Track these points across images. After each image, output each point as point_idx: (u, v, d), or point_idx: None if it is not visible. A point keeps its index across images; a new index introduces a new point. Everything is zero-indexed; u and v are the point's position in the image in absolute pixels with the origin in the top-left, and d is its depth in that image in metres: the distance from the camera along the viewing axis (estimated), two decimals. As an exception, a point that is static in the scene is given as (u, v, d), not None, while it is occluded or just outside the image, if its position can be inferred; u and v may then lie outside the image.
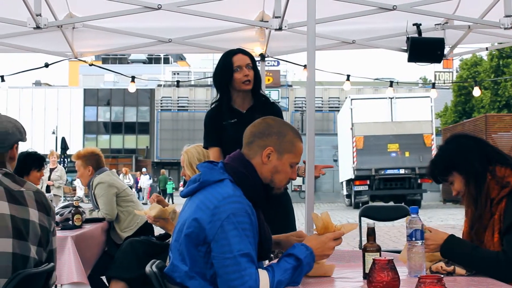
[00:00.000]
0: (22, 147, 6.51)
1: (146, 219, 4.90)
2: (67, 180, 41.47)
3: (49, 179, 14.29)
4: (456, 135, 3.53)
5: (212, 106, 4.77)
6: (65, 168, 37.42)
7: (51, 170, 14.19)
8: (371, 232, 2.98)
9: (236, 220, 2.70)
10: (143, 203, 7.08)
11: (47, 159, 6.72)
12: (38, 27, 5.84)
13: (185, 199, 3.01)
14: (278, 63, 47.08)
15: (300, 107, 55.06)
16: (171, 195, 39.11)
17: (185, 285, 2.77)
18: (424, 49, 7.03)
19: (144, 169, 43.52)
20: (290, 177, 3.01)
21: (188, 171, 5.06)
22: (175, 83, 11.68)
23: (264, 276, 2.68)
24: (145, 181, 39.78)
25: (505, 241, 3.08)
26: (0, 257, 2.94)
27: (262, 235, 2.86)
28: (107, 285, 5.44)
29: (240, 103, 4.65)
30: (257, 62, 4.87)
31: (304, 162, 4.35)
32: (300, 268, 2.79)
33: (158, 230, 6.21)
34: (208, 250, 2.73)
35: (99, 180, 6.17)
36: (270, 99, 4.85)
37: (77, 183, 32.37)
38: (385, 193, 26.70)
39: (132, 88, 9.75)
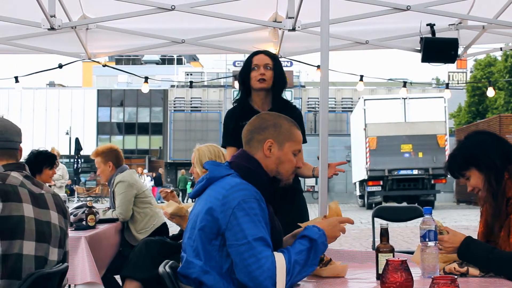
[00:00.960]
0: (35, 146, 6.55)
1: (163, 215, 4.91)
2: (80, 180, 41.60)
3: None
4: (477, 131, 3.54)
5: (233, 105, 4.83)
6: (78, 169, 37.68)
7: None
8: (384, 233, 2.98)
9: (247, 206, 2.73)
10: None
11: None
12: (52, 28, 5.87)
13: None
14: (291, 64, 46.95)
15: (313, 108, 55.01)
16: None
17: (200, 280, 2.79)
18: (438, 49, 7.00)
19: (145, 170, 43.30)
20: (295, 166, 3.06)
21: (197, 169, 5.09)
22: (188, 83, 11.70)
23: (280, 258, 2.70)
24: (146, 182, 39.63)
25: None
26: (24, 260, 2.96)
27: (272, 227, 2.88)
28: (120, 284, 5.46)
29: (260, 104, 4.70)
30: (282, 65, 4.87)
31: (319, 158, 4.37)
32: (315, 249, 2.81)
33: (171, 231, 6.23)
34: (222, 243, 2.76)
35: (120, 178, 6.18)
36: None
37: None
38: (398, 193, 26.66)
39: (145, 88, 9.77)
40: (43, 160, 6.18)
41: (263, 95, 4.70)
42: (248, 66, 4.70)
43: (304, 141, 4.58)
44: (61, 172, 13.78)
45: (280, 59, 7.51)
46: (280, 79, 4.70)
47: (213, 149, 5.17)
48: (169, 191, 5.34)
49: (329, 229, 2.93)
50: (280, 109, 4.51)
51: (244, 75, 4.70)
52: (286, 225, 3.17)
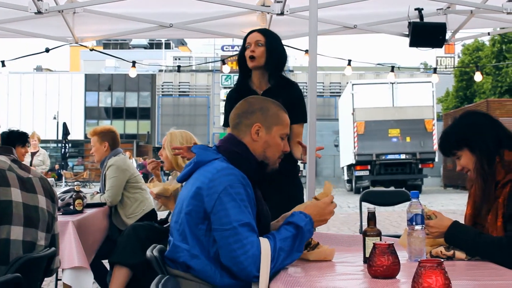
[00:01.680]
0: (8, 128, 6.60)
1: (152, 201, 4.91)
2: (67, 165, 41.37)
3: (30, 164, 12.21)
4: (473, 111, 3.52)
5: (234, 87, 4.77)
6: (66, 154, 37.46)
7: (33, 154, 12.64)
8: (371, 217, 2.99)
9: (233, 191, 2.75)
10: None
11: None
12: (39, 12, 5.83)
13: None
14: (280, 48, 46.88)
15: (301, 92, 54.94)
16: None
17: (188, 264, 2.81)
18: (426, 34, 7.00)
19: (127, 153, 42.62)
20: (283, 150, 3.07)
21: (167, 151, 5.13)
22: (176, 68, 11.69)
23: (265, 244, 2.73)
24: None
25: (510, 226, 3.08)
26: (12, 245, 2.94)
27: (260, 211, 2.90)
28: (108, 269, 5.45)
29: (258, 84, 4.57)
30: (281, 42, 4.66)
31: (300, 144, 4.32)
32: (301, 236, 2.84)
33: (159, 216, 6.23)
34: (208, 227, 2.78)
35: (113, 162, 6.14)
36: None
37: None
38: (386, 178, 26.75)
39: (133, 73, 9.75)
40: (15, 139, 6.19)
41: (259, 74, 4.54)
42: (243, 45, 4.58)
43: (305, 121, 4.55)
44: (42, 157, 13.01)
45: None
46: (273, 55, 4.49)
47: (186, 135, 5.20)
48: (158, 161, 5.37)
49: (317, 213, 2.96)
50: (279, 88, 4.44)
51: (240, 55, 4.58)
52: (278, 211, 3.18)
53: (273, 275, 2.73)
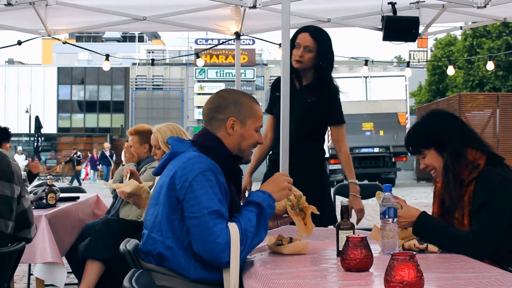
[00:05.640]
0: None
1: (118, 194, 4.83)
2: (40, 159, 40.91)
3: None
4: (440, 111, 3.56)
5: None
6: (39, 147, 37.00)
7: None
8: (345, 210, 3.01)
9: (204, 179, 2.77)
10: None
11: None
12: (9, 4, 5.77)
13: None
14: (254, 42, 46.90)
15: (275, 86, 54.87)
16: None
17: (162, 255, 2.81)
18: (399, 28, 7.04)
19: (19, 148, 40.88)
20: (257, 141, 3.09)
21: (164, 149, 5.02)
22: (150, 61, 11.63)
23: (233, 228, 2.75)
24: (20, 161, 37.81)
25: (475, 221, 3.11)
26: None
27: (232, 206, 2.91)
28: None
29: (299, 79, 4.67)
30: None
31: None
32: (263, 213, 2.87)
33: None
34: (182, 217, 2.79)
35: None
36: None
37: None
38: (360, 171, 26.75)
39: (106, 66, 9.68)
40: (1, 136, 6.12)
41: (303, 72, 4.67)
42: (292, 41, 4.59)
43: (341, 122, 4.65)
44: None
45: (242, 37, 7.54)
46: (321, 62, 4.61)
47: (174, 128, 5.11)
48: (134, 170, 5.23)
49: (272, 186, 2.99)
50: (314, 87, 4.61)
51: (289, 50, 4.59)
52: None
53: (246, 269, 2.73)
